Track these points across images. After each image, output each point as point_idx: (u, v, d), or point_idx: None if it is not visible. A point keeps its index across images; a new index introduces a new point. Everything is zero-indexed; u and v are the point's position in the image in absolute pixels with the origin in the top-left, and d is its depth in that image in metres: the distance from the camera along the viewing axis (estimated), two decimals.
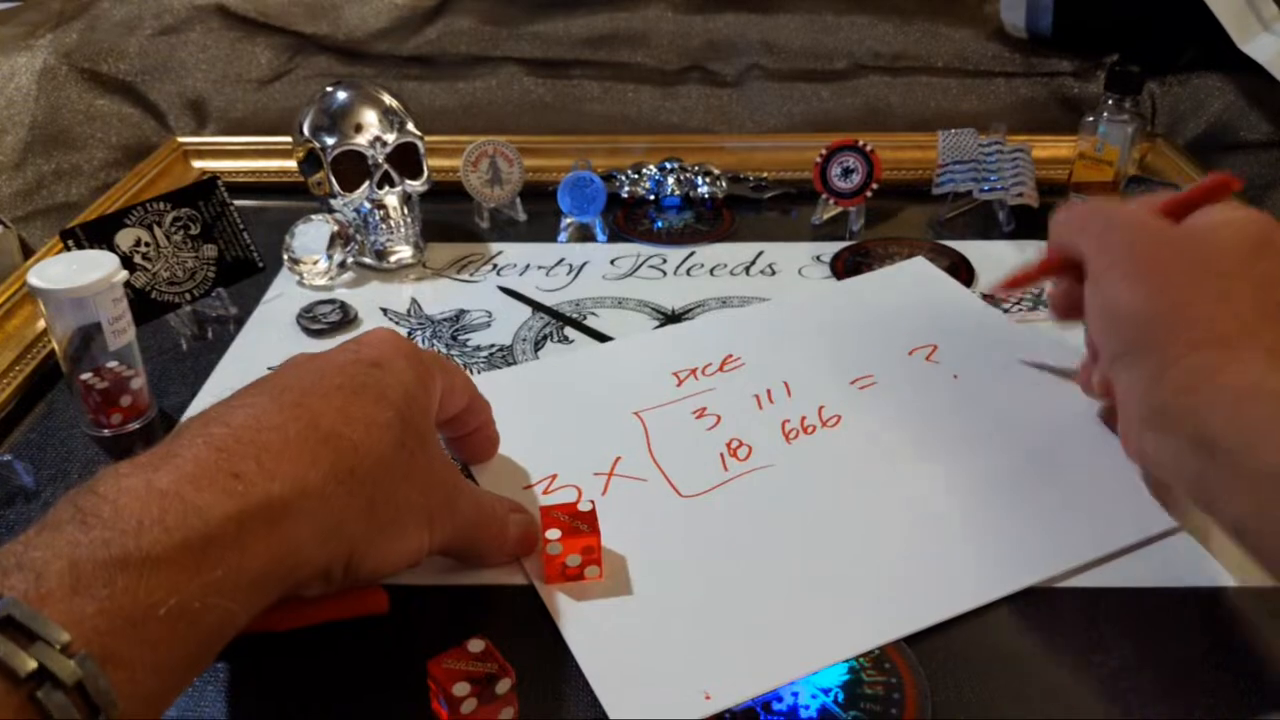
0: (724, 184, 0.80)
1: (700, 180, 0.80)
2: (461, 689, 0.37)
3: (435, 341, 0.65)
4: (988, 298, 0.67)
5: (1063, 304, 0.53)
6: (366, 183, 0.70)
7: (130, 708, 0.30)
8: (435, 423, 0.44)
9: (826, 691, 0.40)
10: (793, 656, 0.41)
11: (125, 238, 0.63)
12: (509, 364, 0.62)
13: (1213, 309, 0.43)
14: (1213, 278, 0.44)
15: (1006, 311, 0.66)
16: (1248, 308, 0.42)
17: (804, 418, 0.55)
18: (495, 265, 0.73)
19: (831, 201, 0.77)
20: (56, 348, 0.55)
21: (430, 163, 0.72)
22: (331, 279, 0.71)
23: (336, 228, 0.71)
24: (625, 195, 0.80)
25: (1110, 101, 0.74)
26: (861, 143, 0.75)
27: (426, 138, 0.72)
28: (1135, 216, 0.48)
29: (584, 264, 0.73)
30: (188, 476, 0.34)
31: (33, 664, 0.28)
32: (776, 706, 0.39)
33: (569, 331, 0.65)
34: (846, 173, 0.75)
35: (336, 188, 0.70)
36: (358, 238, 0.72)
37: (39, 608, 0.29)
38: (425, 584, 0.45)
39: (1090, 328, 0.49)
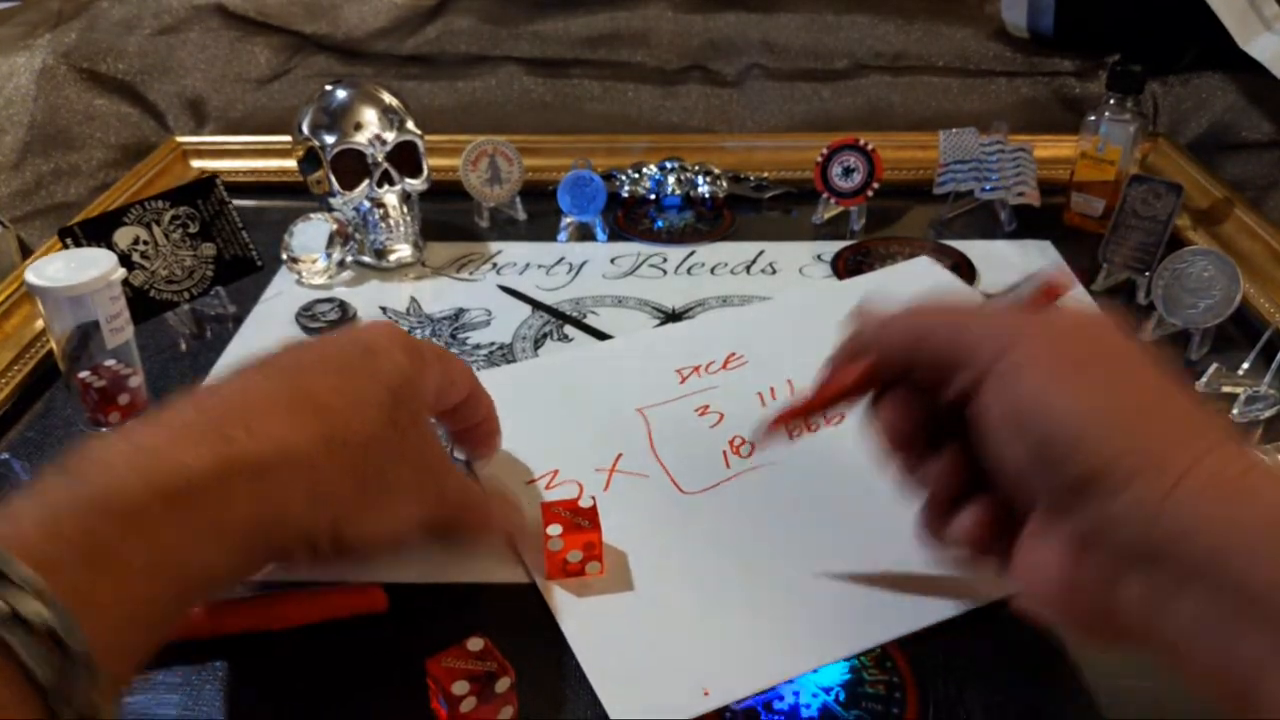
0: (724, 183, 0.80)
1: (701, 180, 0.80)
2: (461, 687, 0.37)
3: (435, 340, 0.64)
4: (989, 297, 0.67)
5: (900, 431, 0.40)
6: (366, 181, 0.70)
7: (105, 658, 0.29)
8: (433, 412, 0.45)
9: (828, 690, 0.40)
10: (793, 654, 0.41)
11: (124, 236, 0.62)
12: (509, 362, 0.62)
13: (1178, 404, 0.33)
14: (1143, 367, 0.34)
15: None
16: (1194, 400, 0.33)
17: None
18: (495, 264, 0.73)
19: (832, 201, 0.77)
20: (55, 346, 0.55)
21: (430, 162, 0.72)
22: (330, 278, 0.71)
23: (335, 226, 0.71)
24: (625, 195, 0.80)
25: (1112, 101, 0.74)
26: (862, 142, 0.75)
27: (426, 137, 0.72)
28: (1019, 309, 0.38)
29: (584, 263, 0.73)
30: (174, 435, 0.34)
31: (2, 606, 0.27)
32: (778, 705, 0.39)
33: (569, 330, 0.65)
34: (847, 172, 0.75)
35: (336, 186, 0.69)
36: (357, 236, 0.71)
37: (13, 553, 0.28)
38: (424, 583, 0.45)
39: (999, 456, 0.35)
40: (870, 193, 0.75)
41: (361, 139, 0.69)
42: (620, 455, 0.52)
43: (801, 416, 0.43)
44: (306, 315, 0.67)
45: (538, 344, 0.64)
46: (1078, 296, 0.41)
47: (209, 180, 0.67)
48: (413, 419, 0.41)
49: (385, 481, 0.39)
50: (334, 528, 0.38)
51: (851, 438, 0.53)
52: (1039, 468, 0.33)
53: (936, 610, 0.43)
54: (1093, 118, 0.75)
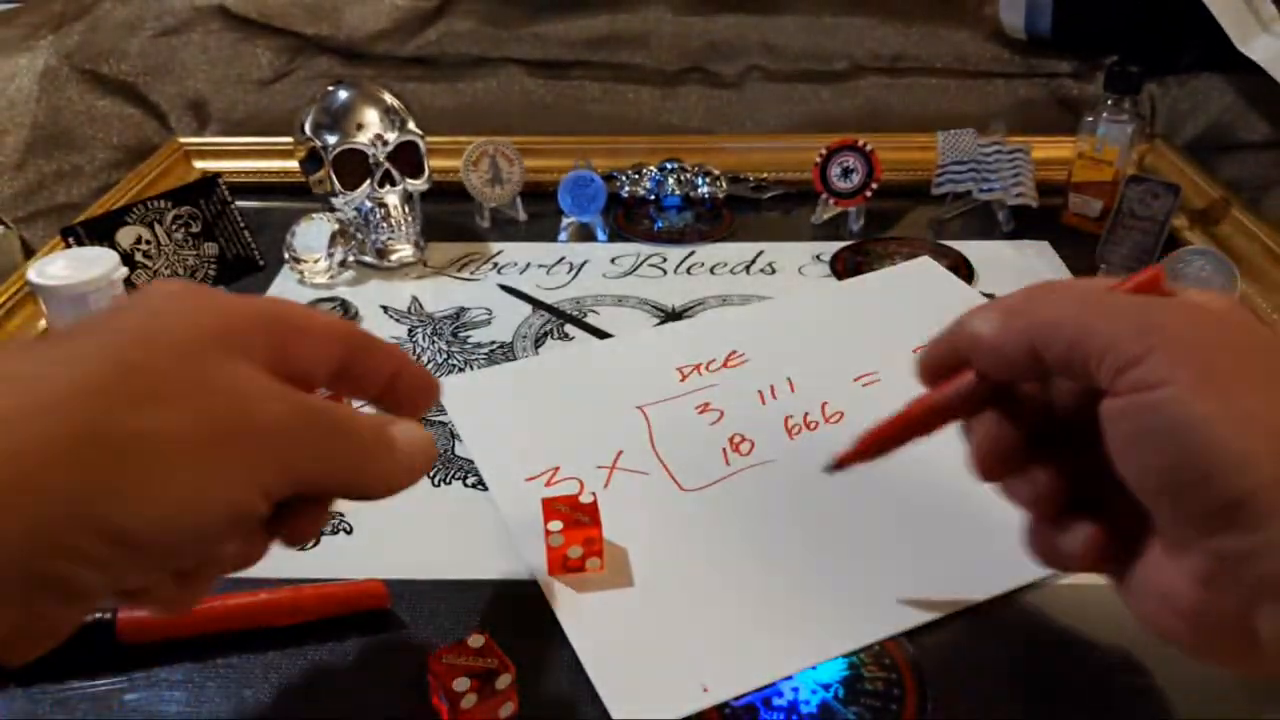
0: (724, 184, 0.80)
1: (700, 180, 0.80)
2: (462, 684, 0.37)
3: (436, 339, 0.65)
4: (989, 296, 0.67)
5: (998, 456, 0.36)
6: (368, 181, 0.70)
7: None
8: (279, 373, 0.32)
9: (827, 687, 0.40)
10: (792, 650, 0.41)
11: (126, 235, 0.63)
12: (510, 361, 0.62)
13: None
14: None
15: None
16: None
17: (807, 414, 0.55)
18: (496, 264, 0.74)
19: (831, 202, 0.77)
20: None
21: (431, 162, 0.72)
22: (332, 277, 0.71)
23: (337, 226, 0.71)
24: (625, 195, 0.80)
25: (1109, 102, 0.74)
26: (861, 143, 0.75)
27: (427, 138, 0.72)
28: (1161, 301, 0.32)
29: (584, 263, 0.73)
30: None
31: None
32: (777, 702, 0.39)
33: (569, 329, 0.65)
34: (846, 173, 0.76)
35: (338, 186, 0.70)
36: (358, 236, 0.72)
37: None
38: (425, 579, 0.45)
39: (1130, 472, 0.31)
40: (869, 193, 0.76)
41: (363, 139, 0.69)
42: (621, 452, 0.52)
43: (893, 441, 0.38)
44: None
45: (538, 343, 0.64)
46: None
47: (211, 180, 0.67)
48: (181, 354, 0.30)
49: (139, 439, 0.28)
50: (91, 525, 0.27)
51: (852, 435, 0.53)
52: (1176, 489, 0.30)
53: (936, 606, 0.43)
54: (1090, 119, 0.76)
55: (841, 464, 0.39)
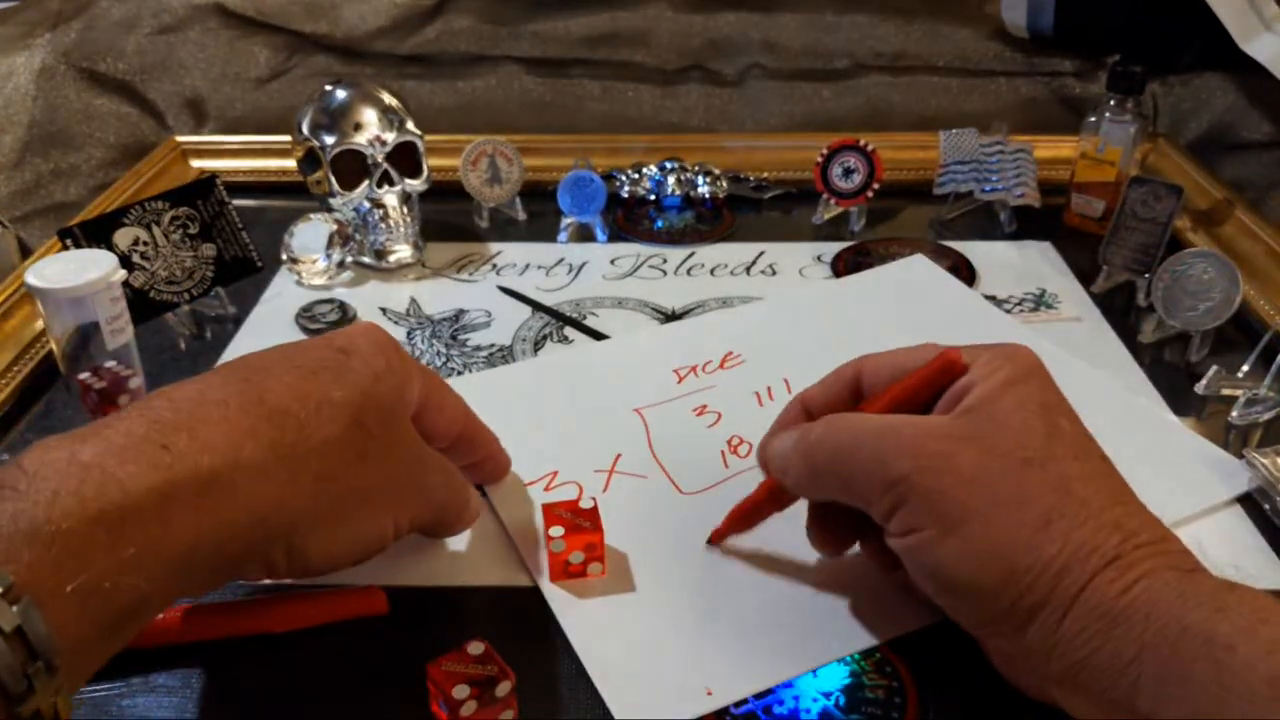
0: (724, 184, 0.80)
1: (701, 180, 0.80)
2: (461, 691, 0.37)
3: (435, 341, 0.64)
4: (990, 298, 0.67)
5: (829, 538, 0.43)
6: (366, 182, 0.70)
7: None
8: (415, 425, 0.42)
9: (828, 695, 0.40)
10: (794, 654, 0.41)
11: (123, 237, 0.62)
12: (508, 363, 0.62)
13: (1062, 524, 0.34)
14: (1028, 479, 0.35)
15: (1009, 312, 0.65)
16: (1088, 490, 0.35)
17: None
18: (495, 265, 0.73)
19: (832, 201, 0.77)
20: (54, 347, 0.55)
21: (430, 162, 0.72)
22: (330, 278, 0.71)
23: (335, 227, 0.71)
24: (625, 195, 0.80)
25: (1112, 101, 0.74)
26: (862, 142, 0.75)
27: (426, 137, 0.72)
28: (896, 443, 0.36)
29: (584, 264, 0.73)
30: (114, 448, 0.32)
31: None
32: (777, 710, 0.39)
33: (569, 331, 0.65)
34: (847, 172, 0.75)
35: (335, 186, 0.69)
36: (357, 237, 0.71)
37: None
38: (424, 586, 0.45)
39: (920, 587, 0.39)
40: (870, 193, 0.75)
41: (361, 139, 0.69)
42: (619, 456, 0.52)
43: (746, 520, 0.45)
44: (306, 316, 0.67)
45: (537, 345, 0.64)
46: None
47: (209, 180, 0.67)
48: (385, 421, 0.38)
49: (348, 489, 0.37)
50: (289, 542, 0.36)
51: None
52: (951, 607, 0.38)
53: (938, 609, 0.43)
54: (1093, 118, 0.75)
55: (714, 540, 0.46)
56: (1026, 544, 0.34)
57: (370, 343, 0.40)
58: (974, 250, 0.73)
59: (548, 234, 0.77)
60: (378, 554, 0.41)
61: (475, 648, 0.38)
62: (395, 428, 0.39)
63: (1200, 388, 0.57)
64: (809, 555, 0.46)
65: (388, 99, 0.71)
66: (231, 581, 0.37)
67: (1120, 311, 0.66)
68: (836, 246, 0.74)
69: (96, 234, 0.61)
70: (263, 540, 0.36)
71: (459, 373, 0.61)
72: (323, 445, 0.36)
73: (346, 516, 0.38)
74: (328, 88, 0.71)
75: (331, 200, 0.70)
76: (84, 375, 0.55)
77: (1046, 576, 0.34)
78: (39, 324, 0.63)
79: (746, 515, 0.45)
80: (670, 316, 0.66)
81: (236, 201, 0.68)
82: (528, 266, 0.73)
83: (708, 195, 0.80)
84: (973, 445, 0.36)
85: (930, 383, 0.39)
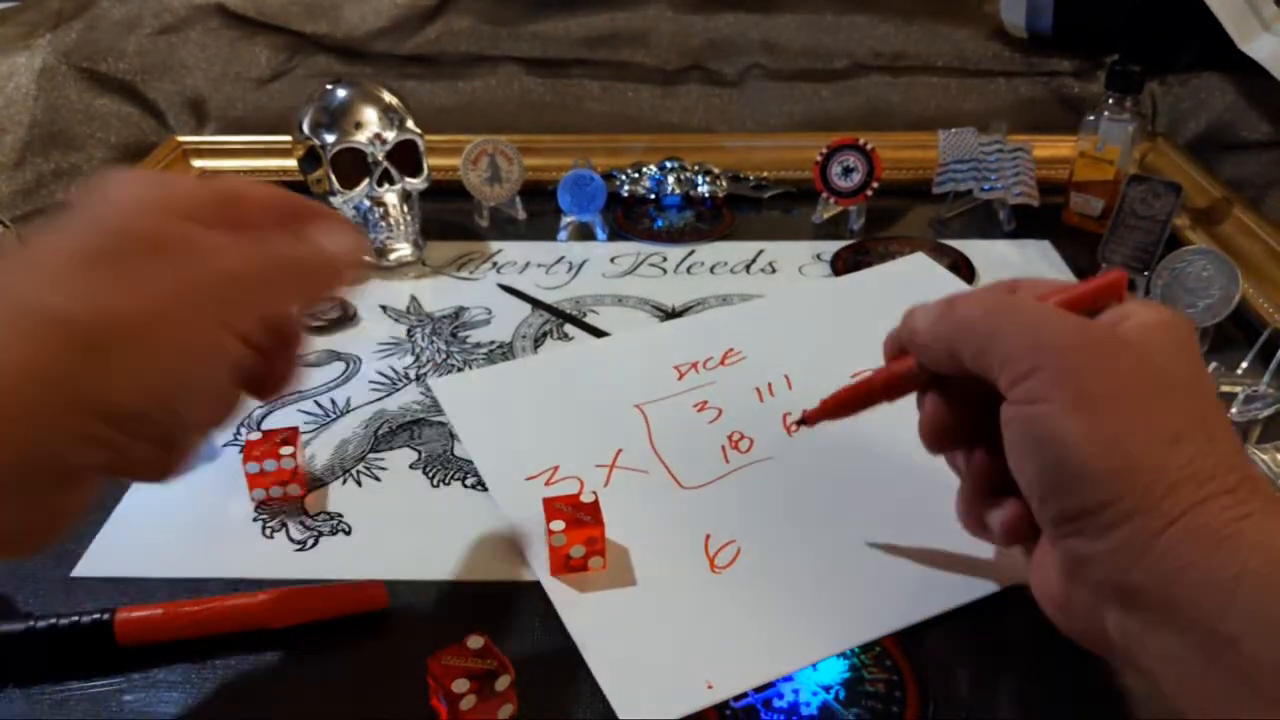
0: (724, 183, 0.80)
1: (700, 179, 0.80)
2: (461, 685, 0.37)
3: (435, 339, 0.64)
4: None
5: (937, 432, 0.41)
6: (366, 180, 0.70)
7: None
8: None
9: (828, 689, 0.40)
10: (794, 647, 0.41)
11: None
12: (509, 360, 0.62)
13: (1190, 447, 0.33)
14: (1170, 399, 0.34)
15: None
16: (1220, 432, 0.34)
17: (805, 410, 0.55)
18: (495, 263, 0.73)
19: (832, 200, 0.77)
20: None
21: (430, 161, 0.72)
22: None
23: None
24: (625, 194, 0.80)
25: (1111, 101, 0.74)
26: (862, 141, 0.75)
27: (426, 136, 0.72)
28: (1057, 320, 0.35)
29: (584, 262, 0.73)
30: None
31: None
32: (777, 704, 0.39)
33: (569, 329, 0.65)
34: (847, 172, 0.75)
35: (336, 185, 0.69)
36: None
37: None
38: (424, 580, 0.45)
39: (1015, 469, 0.36)
40: (869, 192, 0.75)
41: (361, 138, 0.69)
42: (620, 451, 0.52)
43: (849, 405, 0.43)
44: (306, 314, 0.67)
45: (538, 343, 0.64)
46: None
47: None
48: (141, 231, 0.32)
49: (129, 325, 0.31)
50: (95, 407, 0.30)
51: (850, 432, 0.53)
52: (1044, 491, 0.34)
53: (937, 603, 0.43)
54: (1091, 117, 0.75)
55: (807, 420, 0.44)
56: (1153, 448, 0.32)
57: (112, 182, 0.34)
58: (973, 249, 0.73)
59: (548, 233, 0.77)
60: (230, 364, 0.33)
61: (475, 642, 0.38)
62: (156, 229, 0.33)
63: None
64: (809, 549, 0.46)
65: (388, 98, 0.71)
66: (54, 490, 0.31)
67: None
68: (836, 245, 0.74)
69: None
70: (47, 422, 0.30)
71: (459, 369, 0.61)
72: (52, 290, 0.30)
73: (138, 352, 0.31)
74: (328, 87, 0.71)
75: (332, 199, 0.70)
76: None
77: (1161, 484, 0.32)
78: None
79: (853, 398, 0.42)
80: (670, 314, 0.66)
81: None
82: (528, 265, 0.73)
83: (707, 195, 0.80)
84: (1129, 350, 0.34)
85: (1095, 295, 0.37)
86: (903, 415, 0.54)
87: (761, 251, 0.74)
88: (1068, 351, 0.34)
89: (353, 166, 0.69)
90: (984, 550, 0.45)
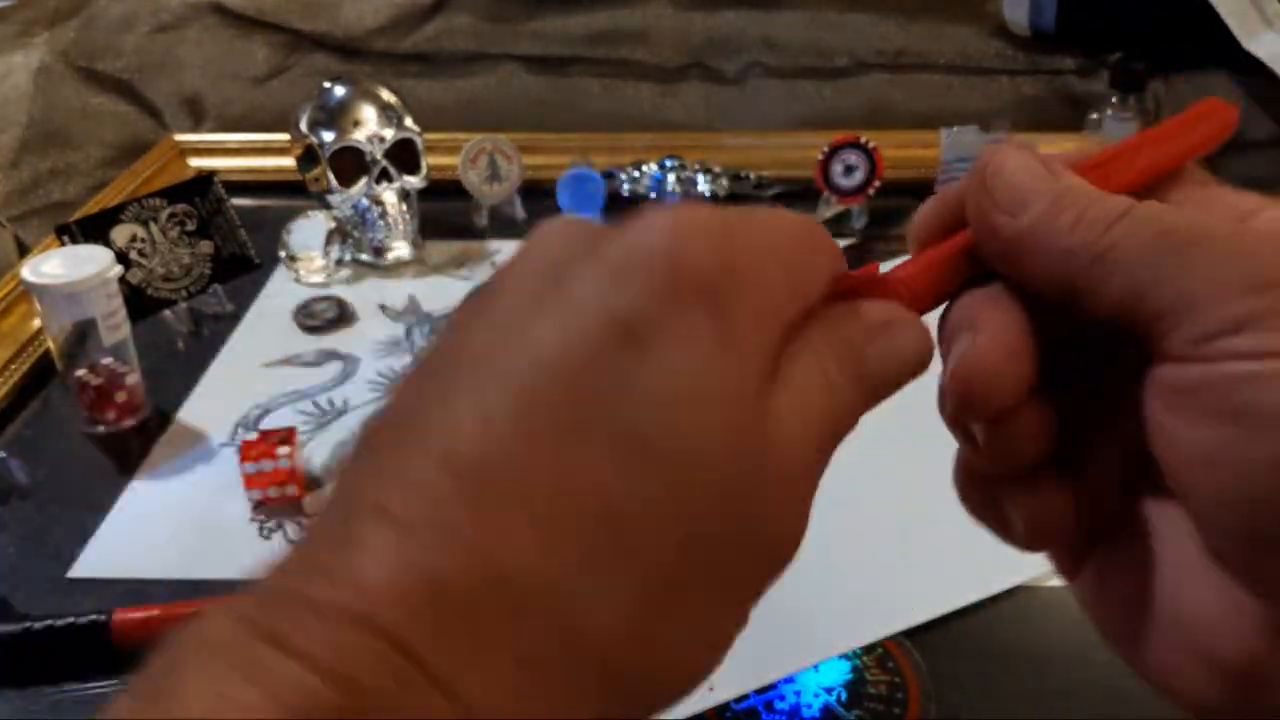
0: (725, 182, 0.80)
1: (701, 178, 0.80)
2: None
3: (434, 339, 0.64)
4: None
5: (1009, 361, 0.23)
6: (364, 179, 0.69)
7: None
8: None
9: (829, 690, 0.39)
10: (795, 649, 0.41)
11: (121, 234, 0.62)
12: None
13: None
14: None
15: None
16: None
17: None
18: (494, 263, 0.73)
19: (833, 199, 0.76)
20: (51, 344, 0.55)
21: (428, 160, 0.72)
22: (329, 276, 0.71)
23: (334, 224, 0.71)
24: (625, 193, 0.80)
25: (1114, 99, 0.74)
26: (864, 140, 0.74)
27: (425, 135, 0.71)
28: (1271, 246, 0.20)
29: None
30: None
31: None
32: (779, 705, 0.39)
33: None
34: (848, 170, 0.75)
35: (334, 183, 0.69)
36: (355, 234, 0.71)
37: None
38: None
39: (1184, 462, 0.21)
40: (871, 191, 0.75)
41: (360, 136, 0.68)
42: None
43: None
44: (304, 314, 0.66)
45: None
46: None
47: (207, 178, 0.66)
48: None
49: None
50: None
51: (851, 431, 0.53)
52: (1254, 502, 0.19)
53: (938, 604, 0.42)
54: (1095, 116, 0.75)
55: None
56: None
57: (654, 296, 0.18)
58: None
59: None
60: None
61: None
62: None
63: None
64: (810, 551, 0.45)
65: (386, 96, 0.70)
66: None
67: None
68: (838, 244, 0.74)
69: (94, 231, 0.61)
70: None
71: None
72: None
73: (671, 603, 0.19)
74: (326, 85, 0.70)
75: (330, 197, 0.70)
76: (81, 372, 0.55)
77: None
78: (36, 321, 0.62)
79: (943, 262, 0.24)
80: None
81: (235, 199, 0.68)
82: None
83: (708, 194, 0.79)
84: None
85: (1192, 123, 0.24)
86: (903, 413, 0.54)
87: None
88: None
89: (351, 165, 0.69)
90: (986, 550, 0.45)
